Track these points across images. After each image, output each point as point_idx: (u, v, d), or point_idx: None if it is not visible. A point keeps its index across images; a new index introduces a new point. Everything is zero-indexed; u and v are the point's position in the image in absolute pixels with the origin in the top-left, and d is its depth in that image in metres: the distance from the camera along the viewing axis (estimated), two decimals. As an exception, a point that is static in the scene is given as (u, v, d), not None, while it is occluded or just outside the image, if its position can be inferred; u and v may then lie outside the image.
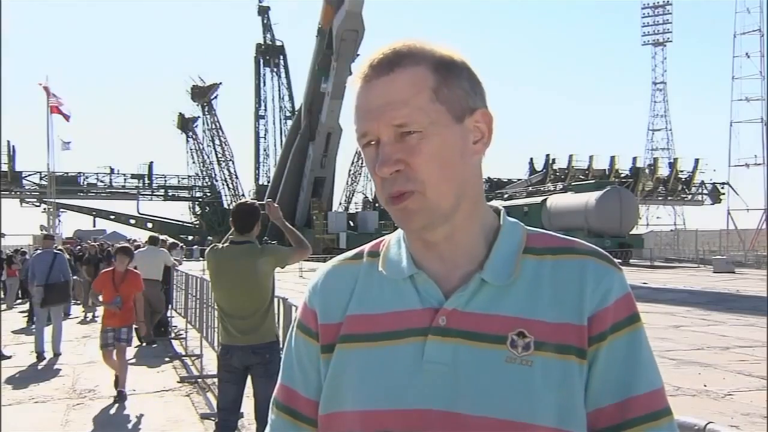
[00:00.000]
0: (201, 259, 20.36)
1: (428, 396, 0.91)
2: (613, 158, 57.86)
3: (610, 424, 0.92)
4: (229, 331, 4.37)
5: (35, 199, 56.21)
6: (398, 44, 0.95)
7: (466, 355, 0.91)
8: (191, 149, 60.18)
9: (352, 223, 50.18)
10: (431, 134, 0.91)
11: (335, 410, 0.97)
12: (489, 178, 57.20)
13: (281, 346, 4.50)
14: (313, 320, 1.04)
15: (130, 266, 11.77)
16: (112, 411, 6.55)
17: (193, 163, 60.16)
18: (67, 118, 37.40)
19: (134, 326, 10.98)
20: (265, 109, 66.34)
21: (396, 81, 0.92)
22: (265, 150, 65.95)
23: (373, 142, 0.93)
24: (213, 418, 5.94)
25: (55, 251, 10.55)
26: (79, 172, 57.19)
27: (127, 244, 8.87)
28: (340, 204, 57.92)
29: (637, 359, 0.94)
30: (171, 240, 15.59)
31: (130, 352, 10.04)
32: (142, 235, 39.27)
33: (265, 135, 66.11)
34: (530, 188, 47.46)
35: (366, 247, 1.08)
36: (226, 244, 4.49)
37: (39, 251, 10.74)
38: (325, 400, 0.99)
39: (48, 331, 9.89)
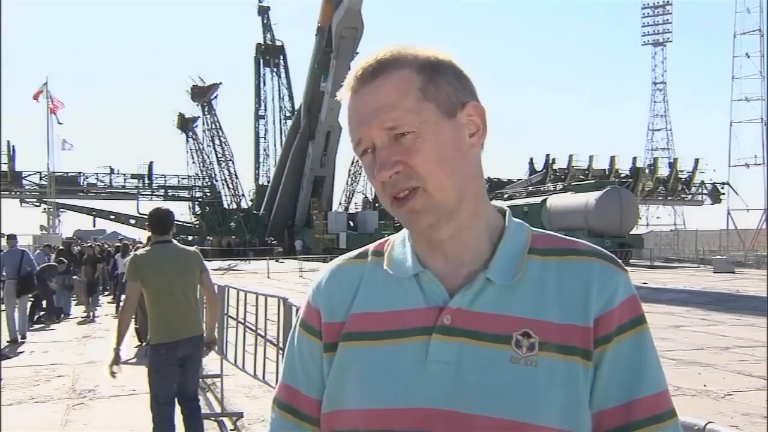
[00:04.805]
0: (201, 258, 20.27)
1: (432, 395, 0.91)
2: (613, 158, 57.77)
3: (615, 425, 0.92)
4: (173, 325, 4.53)
5: (35, 199, 56.09)
6: (381, 52, 0.96)
7: (470, 354, 0.91)
8: (191, 149, 60.03)
9: (352, 223, 50.11)
10: (425, 133, 0.92)
11: (338, 408, 0.97)
12: (489, 178, 57.05)
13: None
14: (317, 319, 1.03)
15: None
16: (112, 411, 6.55)
17: (193, 163, 60.03)
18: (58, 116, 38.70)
19: (135, 326, 11.06)
20: (265, 109, 66.41)
21: (382, 87, 0.93)
22: (265, 150, 66.00)
23: (369, 150, 0.94)
24: (213, 418, 5.94)
25: (21, 249, 12.28)
26: (79, 172, 57.06)
27: None
28: (340, 204, 57.85)
29: (643, 361, 0.94)
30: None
31: (131, 351, 10.04)
32: (142, 235, 39.28)
33: (265, 135, 66.17)
34: (530, 188, 47.41)
35: (371, 247, 1.08)
36: (152, 247, 4.79)
37: (5, 250, 12.16)
38: (328, 399, 0.99)
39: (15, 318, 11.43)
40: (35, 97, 39.59)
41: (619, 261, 0.98)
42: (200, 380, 5.01)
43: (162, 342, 4.53)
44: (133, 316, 11.93)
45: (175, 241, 4.84)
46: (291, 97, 65.78)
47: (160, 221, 4.71)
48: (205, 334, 4.83)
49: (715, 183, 62.60)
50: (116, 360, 4.37)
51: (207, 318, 5.05)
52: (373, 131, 0.92)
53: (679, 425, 0.95)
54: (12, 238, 12.49)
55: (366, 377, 0.95)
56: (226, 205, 57.42)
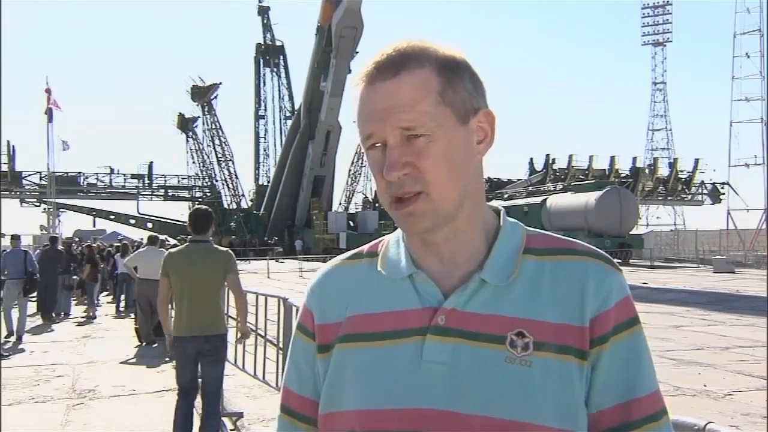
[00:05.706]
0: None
1: (427, 395, 0.91)
2: (613, 158, 57.74)
3: (613, 424, 0.93)
4: (182, 321, 4.85)
5: (35, 199, 56.06)
6: (402, 45, 0.94)
7: (465, 354, 0.92)
8: (191, 149, 60.03)
9: (352, 223, 50.10)
10: (438, 137, 0.92)
11: (335, 410, 0.98)
12: (489, 178, 56.97)
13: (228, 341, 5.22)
14: (311, 320, 1.04)
15: (128, 266, 11.81)
16: (112, 411, 6.54)
17: (193, 163, 60.03)
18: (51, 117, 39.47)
19: (135, 326, 11.07)
20: (265, 109, 66.29)
21: (402, 84, 0.91)
22: (265, 150, 65.89)
23: (378, 145, 0.93)
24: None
25: (24, 250, 12.38)
26: (79, 172, 57.04)
27: None
28: (340, 204, 57.85)
29: (639, 361, 0.95)
30: (173, 241, 15.59)
31: (131, 351, 10.06)
32: (142, 235, 39.25)
33: (265, 135, 66.05)
34: (530, 188, 47.39)
35: (365, 247, 1.08)
36: (185, 245, 5.09)
37: (8, 250, 12.21)
38: (324, 400, 1.00)
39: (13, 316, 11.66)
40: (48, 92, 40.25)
41: (614, 261, 0.99)
42: (220, 383, 5.29)
43: (175, 335, 4.90)
44: (133, 317, 12.01)
45: (210, 241, 5.05)
46: (291, 97, 65.72)
47: (196, 221, 4.97)
48: (236, 332, 5.31)
49: (715, 183, 62.59)
50: (169, 342, 5.05)
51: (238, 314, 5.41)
52: (387, 129, 0.91)
53: (670, 423, 0.96)
54: (16, 238, 12.67)
55: (362, 378, 0.95)
56: (226, 205, 57.46)
